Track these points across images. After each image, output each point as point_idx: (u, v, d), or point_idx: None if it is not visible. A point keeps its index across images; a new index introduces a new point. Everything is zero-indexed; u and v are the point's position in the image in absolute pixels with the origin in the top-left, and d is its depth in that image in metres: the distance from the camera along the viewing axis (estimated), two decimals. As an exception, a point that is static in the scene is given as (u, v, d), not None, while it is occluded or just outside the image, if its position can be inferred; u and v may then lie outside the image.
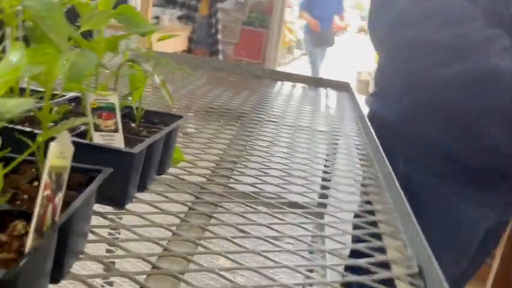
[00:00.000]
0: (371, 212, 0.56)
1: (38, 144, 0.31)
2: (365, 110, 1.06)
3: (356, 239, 0.51)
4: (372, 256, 0.45)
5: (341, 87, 1.41)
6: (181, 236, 0.45)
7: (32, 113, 0.48)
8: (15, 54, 0.27)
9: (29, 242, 0.27)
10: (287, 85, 1.38)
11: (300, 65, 7.54)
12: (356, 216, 0.56)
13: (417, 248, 0.45)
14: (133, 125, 0.55)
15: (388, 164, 0.70)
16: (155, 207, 0.50)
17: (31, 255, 0.26)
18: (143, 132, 0.52)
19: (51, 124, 0.43)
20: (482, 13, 0.78)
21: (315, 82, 1.40)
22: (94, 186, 0.36)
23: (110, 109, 0.43)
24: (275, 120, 0.98)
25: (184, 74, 1.08)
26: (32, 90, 0.55)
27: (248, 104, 1.06)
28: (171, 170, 0.59)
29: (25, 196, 0.34)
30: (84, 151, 0.37)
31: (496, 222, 0.89)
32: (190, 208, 0.52)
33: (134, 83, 0.52)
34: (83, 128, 0.47)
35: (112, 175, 0.39)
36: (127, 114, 0.56)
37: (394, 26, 0.87)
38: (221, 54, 3.81)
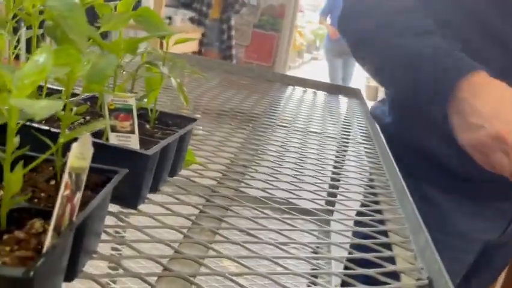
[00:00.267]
0: (381, 222, 0.56)
1: (60, 145, 0.31)
2: (376, 117, 1.05)
3: (365, 248, 0.51)
4: (381, 266, 0.45)
5: (352, 93, 1.41)
6: (192, 238, 0.46)
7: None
8: (41, 56, 0.28)
9: (48, 240, 0.27)
10: (298, 90, 1.38)
11: (309, 69, 7.54)
12: (365, 225, 0.56)
13: (428, 260, 0.45)
14: (148, 126, 0.55)
15: (399, 172, 0.70)
16: (167, 208, 0.51)
17: (49, 254, 0.27)
18: (158, 134, 0.53)
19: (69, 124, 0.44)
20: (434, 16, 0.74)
21: (325, 88, 1.40)
22: (109, 187, 0.36)
23: (128, 111, 0.43)
24: (286, 124, 0.98)
25: (199, 76, 1.09)
26: (50, 89, 0.56)
27: (259, 108, 1.06)
28: (183, 171, 0.60)
29: (42, 194, 0.35)
30: (100, 151, 0.38)
31: (498, 236, 0.86)
32: (201, 211, 0.52)
33: (150, 84, 0.52)
34: (99, 128, 0.48)
35: (126, 176, 0.40)
36: (142, 115, 0.56)
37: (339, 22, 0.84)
38: (234, 60, 3.83)
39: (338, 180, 0.73)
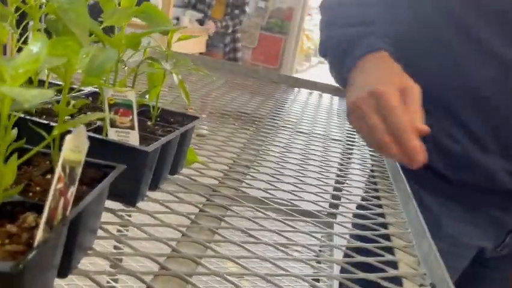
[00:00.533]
0: (384, 225, 0.55)
1: (54, 136, 0.31)
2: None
3: (367, 251, 0.50)
4: (383, 270, 0.44)
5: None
6: (190, 237, 0.45)
7: (49, 106, 0.48)
8: (36, 45, 0.27)
9: (39, 235, 0.26)
10: (303, 92, 1.37)
11: (317, 73, 7.52)
12: (368, 228, 0.55)
13: (431, 266, 0.44)
14: (149, 123, 0.54)
15: (404, 177, 0.68)
16: (166, 206, 0.50)
17: (40, 248, 0.26)
18: (159, 131, 0.52)
19: (68, 118, 0.43)
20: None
21: (331, 90, 1.39)
22: (106, 182, 0.35)
23: (127, 106, 0.43)
24: (290, 126, 0.97)
25: (202, 74, 1.08)
26: (51, 83, 0.55)
27: (264, 109, 1.06)
28: (184, 170, 0.59)
29: (38, 188, 0.34)
30: (98, 146, 0.37)
31: (494, 246, 0.84)
32: (201, 210, 0.51)
33: (152, 81, 0.52)
34: (99, 123, 0.47)
35: (125, 172, 0.39)
36: (143, 112, 0.55)
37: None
38: (240, 62, 3.83)
39: (342, 183, 0.72)
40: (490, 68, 0.72)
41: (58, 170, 0.27)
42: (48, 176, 0.36)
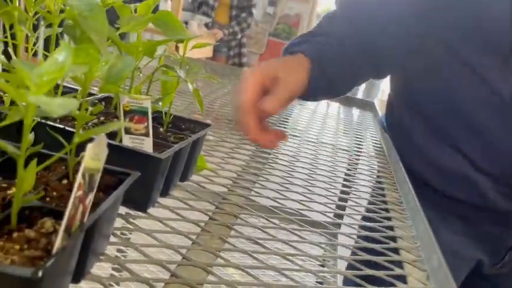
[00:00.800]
0: (393, 238, 0.55)
1: (75, 144, 0.31)
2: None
3: (375, 264, 0.50)
4: (392, 284, 0.44)
5: (366, 106, 1.40)
6: (201, 245, 0.45)
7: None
8: (61, 54, 0.27)
9: (58, 241, 0.27)
10: (311, 100, 1.37)
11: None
12: (376, 241, 0.55)
13: (441, 281, 0.44)
14: (161, 129, 0.55)
15: (412, 188, 0.68)
16: (176, 213, 0.50)
17: (58, 255, 0.26)
18: (171, 138, 0.53)
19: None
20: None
21: (339, 99, 1.39)
22: (121, 190, 0.36)
23: (143, 113, 0.43)
24: (298, 135, 0.97)
25: (212, 82, 1.09)
26: (65, 87, 0.56)
27: (272, 116, 1.06)
28: (194, 177, 0.59)
29: (54, 193, 0.34)
30: (112, 152, 0.37)
31: (493, 262, 0.84)
32: (210, 218, 0.52)
33: (166, 88, 0.52)
34: (114, 129, 0.48)
35: (138, 178, 0.39)
36: (155, 118, 0.56)
37: None
38: (246, 68, 3.80)
39: (348, 194, 0.72)
40: (480, 91, 0.72)
41: (79, 178, 0.27)
42: (65, 181, 0.36)
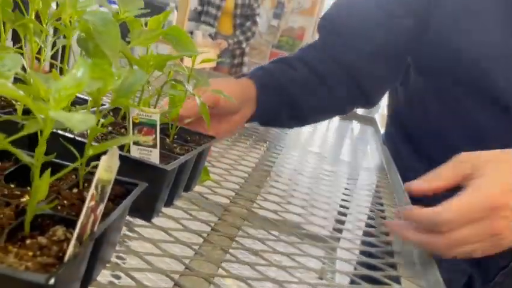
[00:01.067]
0: (390, 254, 0.56)
1: (88, 156, 0.32)
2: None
3: (371, 279, 0.51)
4: (389, 299, 0.45)
5: (366, 121, 1.42)
6: (203, 255, 0.46)
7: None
8: (79, 70, 0.29)
9: (70, 249, 0.28)
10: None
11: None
12: (373, 256, 0.56)
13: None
14: (167, 140, 0.56)
15: (411, 203, 0.70)
16: (180, 223, 0.51)
17: (70, 262, 0.27)
18: (177, 149, 0.54)
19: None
20: None
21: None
22: (129, 200, 0.37)
23: (151, 125, 0.45)
24: (300, 148, 0.99)
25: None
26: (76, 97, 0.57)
27: (275, 128, 1.07)
28: (197, 187, 0.60)
29: (65, 202, 0.35)
30: (121, 162, 0.39)
31: (489, 279, 0.85)
32: (212, 229, 0.53)
33: (174, 101, 0.54)
34: (125, 142, 0.49)
35: (145, 188, 0.40)
36: (161, 129, 0.57)
37: None
38: None
39: (348, 208, 0.73)
40: (467, 131, 0.74)
41: (92, 189, 0.28)
42: (75, 190, 0.37)
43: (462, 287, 0.85)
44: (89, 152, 0.31)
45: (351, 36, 0.80)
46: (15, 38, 0.55)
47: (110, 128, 0.54)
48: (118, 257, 1.17)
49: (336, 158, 0.98)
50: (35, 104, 0.27)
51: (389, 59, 0.80)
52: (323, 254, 0.60)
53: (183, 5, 3.03)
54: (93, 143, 0.38)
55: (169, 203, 0.53)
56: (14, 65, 0.30)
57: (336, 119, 1.39)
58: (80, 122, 0.23)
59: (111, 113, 0.59)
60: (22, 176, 0.38)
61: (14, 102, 0.52)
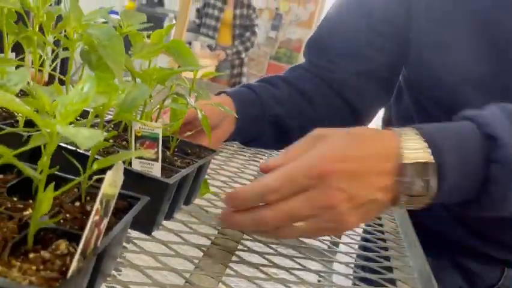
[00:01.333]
0: (389, 269, 0.56)
1: (93, 171, 0.33)
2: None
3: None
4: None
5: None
6: (203, 270, 0.46)
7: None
8: (86, 85, 0.29)
9: (74, 263, 0.28)
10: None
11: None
12: (373, 271, 0.56)
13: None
14: (168, 153, 0.56)
15: (409, 219, 0.70)
16: (180, 236, 0.51)
17: (73, 277, 0.27)
18: (178, 162, 0.54)
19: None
20: None
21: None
22: (131, 214, 0.37)
23: (153, 139, 0.45)
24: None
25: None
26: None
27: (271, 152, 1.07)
28: (197, 200, 0.60)
29: (68, 215, 0.35)
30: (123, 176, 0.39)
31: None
32: (212, 242, 0.53)
33: (175, 114, 0.54)
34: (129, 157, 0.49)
35: (146, 202, 0.40)
36: (162, 142, 0.57)
37: None
38: None
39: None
40: None
41: (97, 204, 0.28)
42: (77, 203, 0.37)
43: None
44: (94, 166, 0.32)
45: (340, 56, 0.81)
46: (16, 49, 0.55)
47: (111, 141, 0.54)
48: (115, 269, 1.16)
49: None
50: (42, 119, 0.27)
51: (379, 79, 0.81)
52: (320, 267, 0.60)
53: (182, 16, 3.06)
54: (95, 156, 0.38)
55: (169, 216, 0.53)
56: (20, 79, 0.31)
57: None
58: (87, 138, 0.24)
59: (112, 125, 0.60)
60: (24, 188, 0.38)
61: (16, 113, 0.52)
